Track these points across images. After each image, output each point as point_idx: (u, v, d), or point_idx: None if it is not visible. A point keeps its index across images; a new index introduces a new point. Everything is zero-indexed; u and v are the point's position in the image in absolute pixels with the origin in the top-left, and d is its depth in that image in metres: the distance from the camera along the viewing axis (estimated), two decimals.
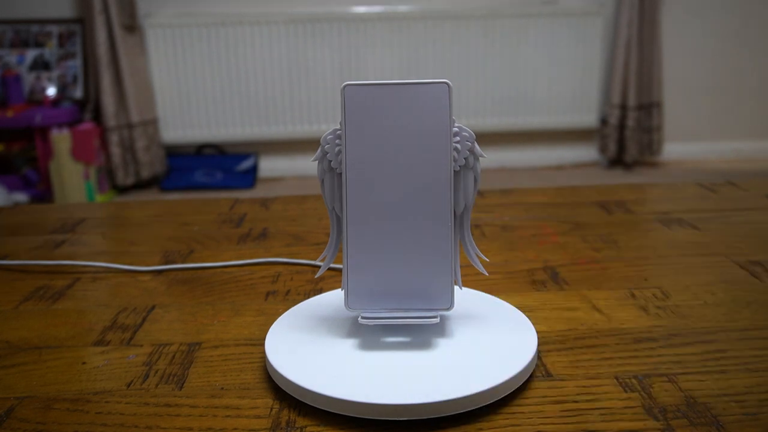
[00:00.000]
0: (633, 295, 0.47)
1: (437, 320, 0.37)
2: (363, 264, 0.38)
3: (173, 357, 0.40)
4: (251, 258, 0.57)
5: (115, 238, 0.65)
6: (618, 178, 3.02)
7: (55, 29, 2.94)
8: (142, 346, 0.42)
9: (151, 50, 2.97)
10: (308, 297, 0.48)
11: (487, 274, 0.40)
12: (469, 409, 0.33)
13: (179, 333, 0.43)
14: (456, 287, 0.40)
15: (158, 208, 0.74)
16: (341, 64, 3.03)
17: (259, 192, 2.94)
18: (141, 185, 3.07)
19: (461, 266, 0.53)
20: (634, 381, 0.36)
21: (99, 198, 2.85)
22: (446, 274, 0.38)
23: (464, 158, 0.38)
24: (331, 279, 0.52)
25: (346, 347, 0.38)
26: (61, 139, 2.69)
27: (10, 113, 2.70)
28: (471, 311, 0.42)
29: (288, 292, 0.50)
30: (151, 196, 2.97)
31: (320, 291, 0.50)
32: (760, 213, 0.66)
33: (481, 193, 0.75)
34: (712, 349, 0.39)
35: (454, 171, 0.38)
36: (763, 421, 0.32)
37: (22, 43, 2.93)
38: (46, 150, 2.75)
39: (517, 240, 0.60)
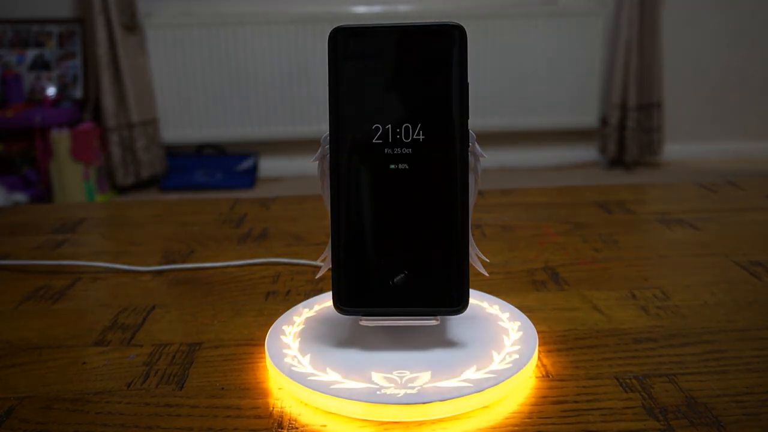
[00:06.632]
0: (633, 295, 0.47)
1: (437, 322, 0.37)
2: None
3: (173, 357, 0.40)
4: (251, 258, 0.57)
5: (115, 238, 0.65)
6: (618, 178, 3.02)
7: (55, 29, 2.94)
8: (142, 346, 0.42)
9: (151, 50, 2.97)
10: (308, 297, 0.48)
11: (487, 275, 0.40)
12: (469, 410, 0.33)
13: (179, 333, 0.43)
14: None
15: (158, 208, 0.74)
16: None
17: (259, 192, 2.94)
18: (141, 185, 3.06)
19: None
20: (634, 381, 0.36)
21: (99, 198, 2.85)
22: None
23: None
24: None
25: (346, 347, 0.38)
26: (61, 139, 2.69)
27: (10, 113, 2.69)
28: (471, 311, 0.42)
29: (288, 292, 0.50)
30: (151, 196, 2.97)
31: (320, 291, 0.50)
32: (760, 213, 0.66)
33: (481, 193, 0.75)
34: (712, 349, 0.39)
35: None
36: (764, 422, 0.32)
37: (22, 43, 2.92)
38: (46, 150, 2.75)
39: (517, 240, 0.60)
